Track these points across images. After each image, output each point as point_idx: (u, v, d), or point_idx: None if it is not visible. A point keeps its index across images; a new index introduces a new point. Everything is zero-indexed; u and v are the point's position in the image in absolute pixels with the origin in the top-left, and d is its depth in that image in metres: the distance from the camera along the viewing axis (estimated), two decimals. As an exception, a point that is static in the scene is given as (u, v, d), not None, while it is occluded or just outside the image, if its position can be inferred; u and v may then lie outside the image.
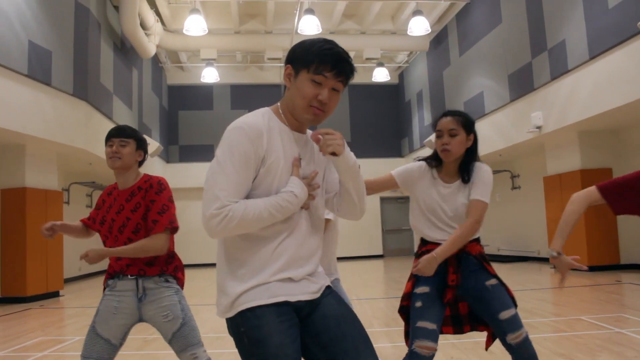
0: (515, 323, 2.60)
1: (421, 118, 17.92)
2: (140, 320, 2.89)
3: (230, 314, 1.79)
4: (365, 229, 19.11)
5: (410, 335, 2.61)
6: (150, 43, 13.64)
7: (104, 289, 2.93)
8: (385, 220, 19.68)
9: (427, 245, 2.76)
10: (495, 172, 15.02)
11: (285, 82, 1.88)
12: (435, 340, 2.55)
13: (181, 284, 3.02)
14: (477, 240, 2.80)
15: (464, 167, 2.73)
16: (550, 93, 10.56)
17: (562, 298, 7.58)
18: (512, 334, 2.58)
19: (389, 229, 19.67)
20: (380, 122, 20.20)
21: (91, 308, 8.59)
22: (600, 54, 9.07)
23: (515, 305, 2.71)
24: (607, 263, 10.70)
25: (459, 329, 2.83)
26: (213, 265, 18.10)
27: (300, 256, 1.83)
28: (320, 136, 1.81)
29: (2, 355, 5.24)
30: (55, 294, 10.37)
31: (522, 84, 11.52)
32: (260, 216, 1.71)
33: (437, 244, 2.68)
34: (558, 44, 10.20)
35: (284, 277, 1.77)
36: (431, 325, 2.56)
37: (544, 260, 13.14)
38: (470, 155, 2.74)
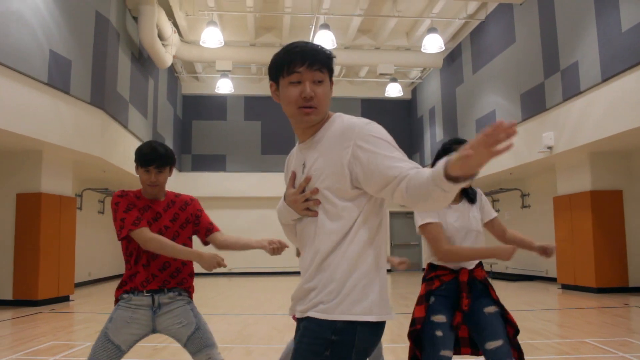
0: (498, 356, 2.65)
1: (433, 134, 17.99)
2: (154, 331, 2.99)
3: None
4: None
5: None
6: (167, 53, 13.85)
7: (116, 300, 3.02)
8: (394, 234, 19.72)
9: (436, 271, 2.83)
10: (505, 190, 15.08)
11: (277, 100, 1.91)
12: None
13: (191, 295, 3.13)
14: (481, 264, 2.89)
15: (469, 189, 2.94)
16: (562, 114, 10.61)
17: (568, 320, 7.60)
18: None
19: (397, 243, 19.70)
20: (393, 137, 19.98)
21: (100, 314, 8.72)
22: (612, 77, 9.13)
23: (515, 332, 2.76)
24: (615, 285, 10.68)
25: (457, 350, 2.90)
26: (222, 274, 18.22)
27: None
28: None
29: (16, 358, 5.35)
30: (66, 299, 10.52)
31: (534, 104, 11.58)
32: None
33: (445, 269, 2.80)
34: (571, 65, 10.26)
35: None
36: (450, 353, 2.71)
37: (552, 280, 13.12)
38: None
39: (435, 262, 2.83)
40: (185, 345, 2.96)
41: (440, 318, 2.72)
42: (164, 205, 3.06)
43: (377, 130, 1.77)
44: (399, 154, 1.72)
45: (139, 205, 2.99)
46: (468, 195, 2.92)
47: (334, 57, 1.87)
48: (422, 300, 2.78)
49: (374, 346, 1.77)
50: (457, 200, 2.88)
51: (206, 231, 3.20)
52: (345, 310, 1.69)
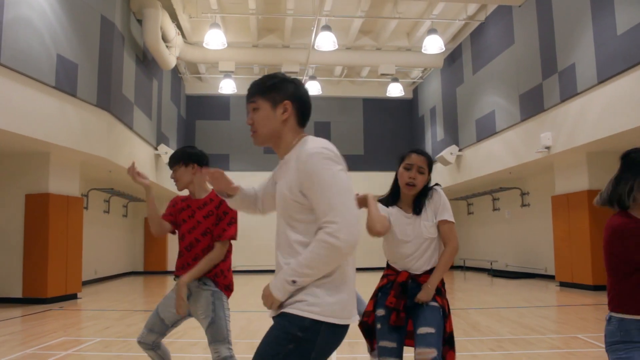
0: (426, 340, 2.79)
1: (434, 133, 18.18)
2: (190, 315, 3.46)
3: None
4: (373, 241, 19.34)
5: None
6: (171, 55, 14.07)
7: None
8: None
9: (387, 269, 3.16)
10: (505, 189, 15.24)
11: None
12: (397, 355, 2.90)
13: (221, 287, 3.43)
14: (430, 271, 3.05)
15: (418, 200, 3.10)
16: (559, 114, 10.80)
17: (564, 316, 7.80)
18: (419, 349, 2.78)
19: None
20: (394, 136, 20.47)
21: (107, 311, 8.95)
22: (608, 79, 9.31)
23: (447, 338, 2.95)
24: (612, 283, 10.84)
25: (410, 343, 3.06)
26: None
27: None
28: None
29: (30, 353, 5.58)
30: (74, 296, 10.76)
31: (532, 105, 11.77)
32: None
33: (394, 270, 3.10)
34: (568, 67, 10.45)
35: None
36: (391, 344, 2.91)
37: (551, 277, 13.30)
38: (424, 191, 3.11)
39: (390, 263, 3.16)
40: (206, 334, 3.36)
41: (380, 312, 3.02)
42: (200, 203, 3.45)
43: (316, 165, 1.93)
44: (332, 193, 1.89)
45: (180, 205, 3.54)
46: (415, 206, 3.09)
47: (271, 83, 2.11)
48: (373, 295, 3.14)
49: (333, 347, 1.95)
50: (409, 210, 3.11)
51: (216, 236, 3.41)
52: (313, 310, 1.88)
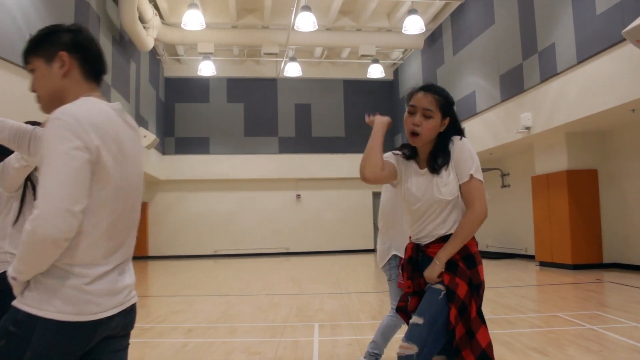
0: (410, 334, 2.35)
1: (415, 115, 18.14)
2: None
3: None
4: (357, 223, 19.44)
5: None
6: (148, 36, 13.81)
7: None
8: (377, 215, 19.95)
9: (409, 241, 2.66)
10: (485, 170, 15.26)
11: None
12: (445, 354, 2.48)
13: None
14: (444, 240, 2.48)
15: (434, 154, 2.49)
16: (539, 95, 10.82)
17: (543, 295, 7.88)
18: (403, 342, 2.34)
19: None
20: (375, 117, 20.37)
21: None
22: (587, 59, 9.33)
23: (460, 318, 2.35)
24: (590, 262, 11.01)
25: None
26: (208, 256, 18.36)
27: None
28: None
29: None
30: None
31: (512, 85, 11.78)
32: None
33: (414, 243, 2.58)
34: (548, 47, 10.45)
35: None
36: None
37: (531, 257, 13.44)
38: (442, 141, 2.50)
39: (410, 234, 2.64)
40: None
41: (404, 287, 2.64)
42: None
43: (49, 135, 1.57)
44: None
45: None
46: (432, 163, 2.48)
47: (40, 36, 1.81)
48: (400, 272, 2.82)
49: (67, 349, 1.57)
50: (423, 164, 2.55)
51: None
52: (30, 302, 1.56)
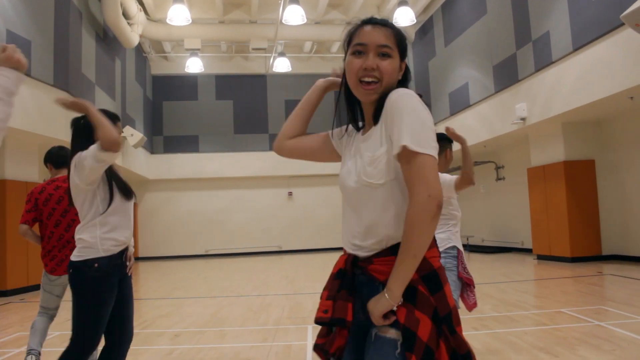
0: None
1: (407, 109, 17.88)
2: None
3: None
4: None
5: None
6: (133, 33, 13.46)
7: None
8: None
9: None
10: (479, 163, 15.04)
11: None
12: None
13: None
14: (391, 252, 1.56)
15: (378, 111, 1.66)
16: (534, 84, 10.58)
17: (544, 290, 7.62)
18: None
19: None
20: (366, 112, 20.12)
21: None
22: (584, 46, 9.09)
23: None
24: (589, 254, 10.79)
25: None
26: (199, 256, 18.05)
27: None
28: None
29: (-21, 352, 5.16)
30: (37, 287, 10.25)
31: (506, 75, 11.53)
32: None
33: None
34: (542, 36, 10.20)
35: None
36: None
37: (528, 251, 13.22)
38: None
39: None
40: None
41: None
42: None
43: None
44: None
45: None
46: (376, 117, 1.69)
47: None
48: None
49: None
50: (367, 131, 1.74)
51: None
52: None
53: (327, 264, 13.50)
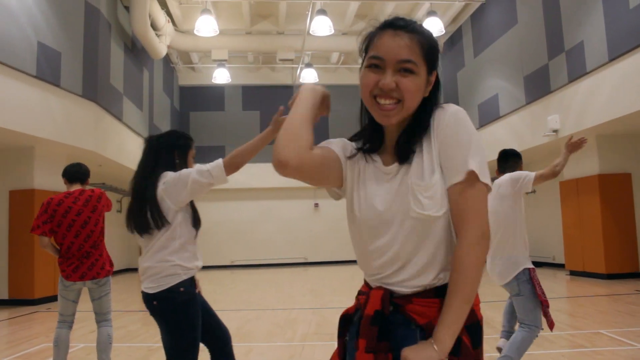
0: None
1: (435, 120, 17.69)
2: None
3: None
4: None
5: None
6: (161, 44, 13.55)
7: None
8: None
9: (365, 283, 1.55)
10: (510, 175, 14.69)
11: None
12: None
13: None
14: (435, 292, 1.37)
15: (409, 135, 1.42)
16: (567, 96, 10.31)
17: (579, 309, 7.34)
18: None
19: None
20: (393, 123, 19.96)
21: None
22: (620, 56, 8.82)
23: None
24: (626, 271, 10.42)
25: None
26: (225, 267, 18.01)
27: None
28: None
29: (4, 364, 5.13)
30: (64, 297, 10.29)
31: (538, 86, 11.28)
32: None
33: (367, 286, 1.51)
34: (576, 46, 9.95)
35: None
36: None
37: (560, 266, 12.86)
38: (422, 115, 1.42)
39: (361, 269, 1.57)
40: None
41: None
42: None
43: None
44: None
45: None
46: (405, 152, 1.41)
47: None
48: (338, 329, 1.55)
49: None
50: (389, 159, 1.47)
51: None
52: None
53: (352, 277, 13.31)
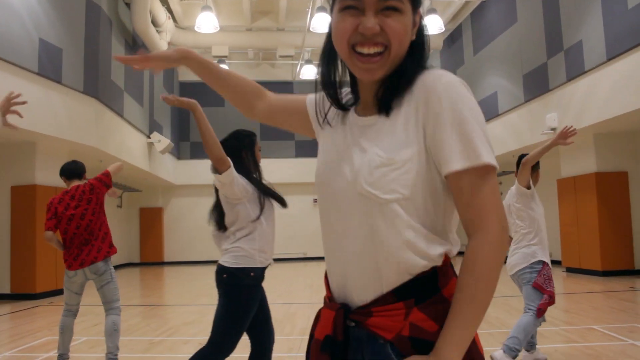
0: None
1: (434, 117, 17.76)
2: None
3: None
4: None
5: None
6: (161, 40, 13.62)
7: None
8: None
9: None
10: (508, 173, 14.81)
11: None
12: None
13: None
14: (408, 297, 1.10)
15: (389, 87, 1.14)
16: (566, 94, 10.39)
17: (574, 305, 7.44)
18: None
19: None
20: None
21: (99, 306, 8.57)
22: (618, 55, 8.90)
23: None
24: (621, 268, 10.52)
25: None
26: (223, 262, 18.08)
27: None
28: None
29: (9, 356, 5.22)
30: (65, 291, 10.39)
31: (537, 85, 11.35)
32: None
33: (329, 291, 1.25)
34: (575, 45, 10.02)
35: None
36: None
37: (556, 263, 12.96)
38: (405, 64, 1.15)
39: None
40: None
41: None
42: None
43: None
44: None
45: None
46: (382, 102, 1.16)
47: None
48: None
49: None
50: (367, 108, 1.21)
51: None
52: None
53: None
